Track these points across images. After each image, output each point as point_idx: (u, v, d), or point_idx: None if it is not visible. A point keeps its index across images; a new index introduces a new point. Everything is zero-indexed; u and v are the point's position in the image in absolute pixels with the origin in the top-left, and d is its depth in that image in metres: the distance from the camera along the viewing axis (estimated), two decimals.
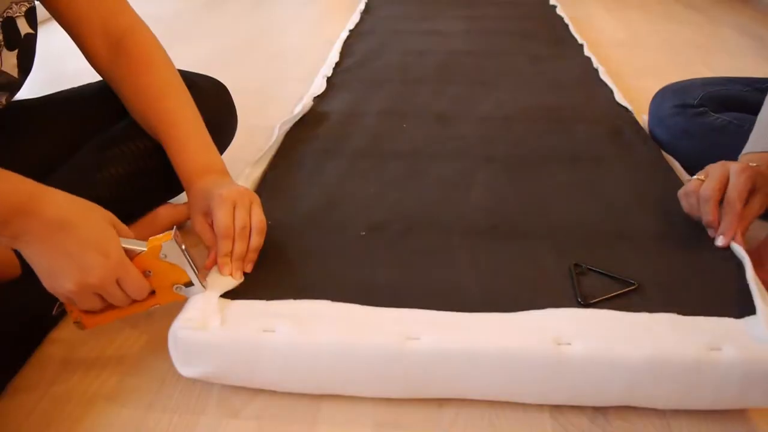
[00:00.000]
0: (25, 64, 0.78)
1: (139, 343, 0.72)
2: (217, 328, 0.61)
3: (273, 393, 0.65)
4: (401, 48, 1.57)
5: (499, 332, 0.61)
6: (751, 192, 0.74)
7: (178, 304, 0.65)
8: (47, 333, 0.73)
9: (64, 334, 0.74)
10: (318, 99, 1.23)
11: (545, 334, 0.60)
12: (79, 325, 0.64)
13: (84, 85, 0.91)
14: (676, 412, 0.63)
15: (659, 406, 0.61)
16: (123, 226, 0.62)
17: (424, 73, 1.38)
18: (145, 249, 0.61)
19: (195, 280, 0.64)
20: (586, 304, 0.65)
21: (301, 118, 1.13)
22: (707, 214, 0.75)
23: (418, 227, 0.80)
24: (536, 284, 0.69)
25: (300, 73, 1.63)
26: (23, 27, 0.76)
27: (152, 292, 0.64)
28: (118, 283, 0.60)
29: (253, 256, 0.70)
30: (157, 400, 0.65)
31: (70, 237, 0.57)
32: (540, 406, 0.64)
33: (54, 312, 0.66)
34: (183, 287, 0.64)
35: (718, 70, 1.65)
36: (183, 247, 0.62)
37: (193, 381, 0.67)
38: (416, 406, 0.64)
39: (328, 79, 1.33)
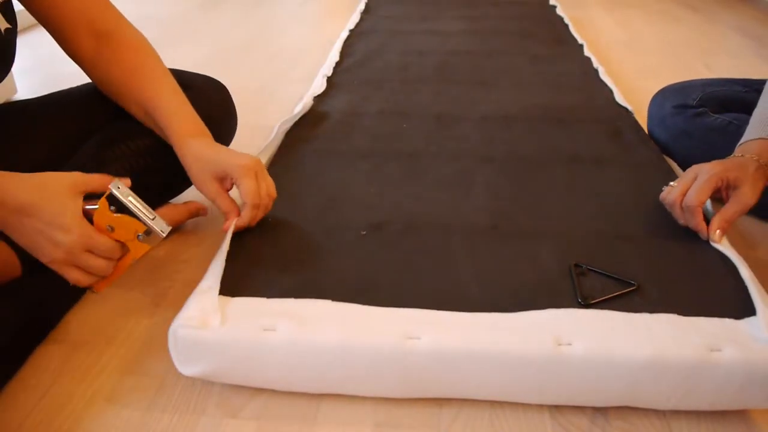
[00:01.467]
0: (6, 59, 0.79)
1: (139, 343, 0.72)
2: (217, 327, 0.61)
3: (273, 393, 0.65)
4: (401, 48, 1.57)
5: (499, 332, 0.61)
6: (724, 190, 0.76)
7: (178, 298, 0.65)
8: (48, 333, 0.73)
9: (64, 334, 0.73)
10: (318, 99, 1.23)
11: (545, 334, 0.60)
12: (90, 289, 0.69)
13: (81, 85, 0.91)
14: (676, 413, 0.63)
15: (659, 406, 0.61)
16: (89, 178, 0.65)
17: (424, 73, 1.38)
18: (98, 206, 0.64)
19: (152, 226, 0.65)
20: (586, 304, 0.65)
21: (301, 118, 1.13)
22: (678, 219, 0.79)
23: (418, 227, 0.80)
24: (536, 284, 0.69)
25: (300, 73, 1.63)
26: (1, 23, 0.76)
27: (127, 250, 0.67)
28: (91, 251, 0.63)
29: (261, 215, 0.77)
30: (157, 400, 0.65)
31: (34, 219, 0.60)
32: (540, 406, 0.64)
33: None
34: (143, 235, 0.66)
35: (718, 70, 1.65)
36: (130, 198, 0.65)
37: (193, 381, 0.66)
38: (416, 406, 0.64)
39: (328, 79, 1.33)
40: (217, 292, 0.65)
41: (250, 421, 0.62)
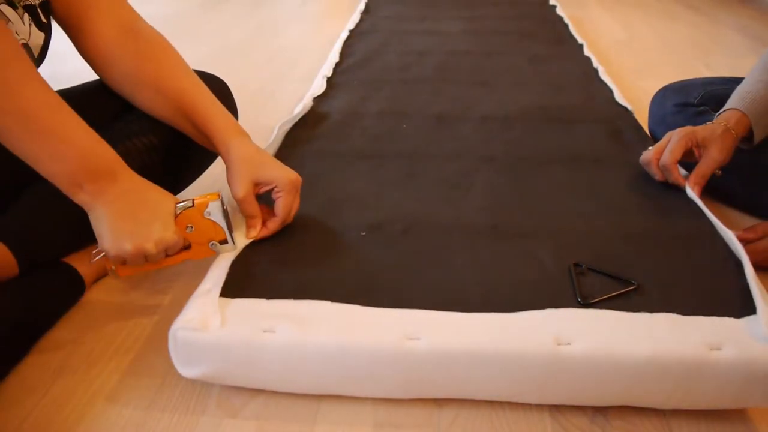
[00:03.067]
0: (43, 52, 0.80)
1: (139, 343, 0.72)
2: (217, 329, 0.61)
3: (273, 393, 0.65)
4: (401, 48, 1.57)
5: (499, 332, 0.61)
6: (696, 149, 0.86)
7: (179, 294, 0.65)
8: (44, 332, 0.73)
9: (64, 333, 0.74)
10: (318, 99, 1.23)
11: (545, 334, 0.60)
12: (113, 273, 0.71)
13: (84, 83, 0.91)
14: (676, 412, 0.63)
15: (659, 405, 0.61)
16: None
17: (424, 73, 1.38)
18: (192, 206, 0.68)
19: (230, 239, 0.71)
20: (586, 304, 0.65)
21: (301, 119, 1.13)
22: (654, 175, 0.89)
23: (418, 227, 0.80)
24: (536, 284, 0.69)
25: (300, 73, 1.63)
26: (43, 16, 0.77)
27: (187, 248, 0.71)
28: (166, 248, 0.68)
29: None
30: (157, 400, 0.65)
31: (142, 206, 0.66)
32: (540, 406, 0.64)
33: (92, 260, 0.70)
34: (218, 244, 0.71)
35: (717, 70, 1.65)
36: (225, 207, 0.70)
37: (193, 381, 0.67)
38: (416, 406, 0.64)
39: (328, 79, 1.33)
40: (218, 294, 0.65)
41: (250, 421, 0.62)
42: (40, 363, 0.69)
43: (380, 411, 0.64)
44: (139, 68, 0.81)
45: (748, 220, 0.95)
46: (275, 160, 0.78)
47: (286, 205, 0.75)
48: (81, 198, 0.65)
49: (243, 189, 0.74)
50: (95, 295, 0.80)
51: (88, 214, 0.66)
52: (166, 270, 0.84)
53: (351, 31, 1.72)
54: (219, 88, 0.95)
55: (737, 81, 1.08)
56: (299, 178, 0.76)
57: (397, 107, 1.19)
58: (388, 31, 1.73)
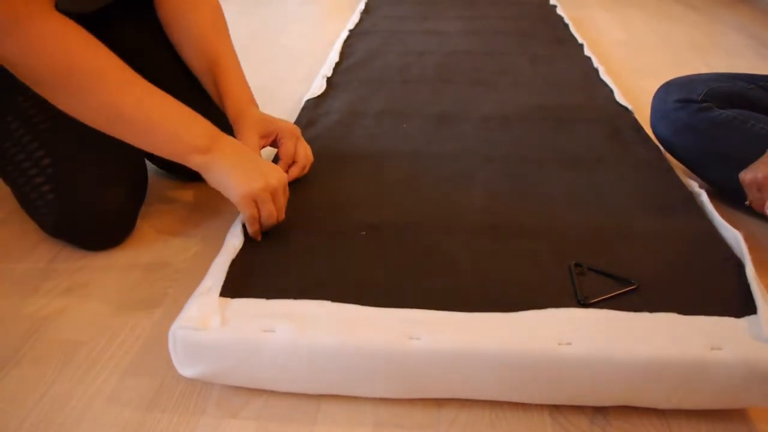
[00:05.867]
0: None
1: (139, 343, 0.72)
2: (216, 329, 0.61)
3: (273, 393, 0.65)
4: (401, 48, 1.57)
5: (499, 332, 0.61)
6: None
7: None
8: None
9: (64, 333, 0.74)
10: (318, 99, 1.23)
11: (545, 334, 0.60)
12: (256, 237, 0.77)
13: None
14: (676, 412, 0.63)
15: (659, 405, 0.61)
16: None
17: (424, 73, 1.38)
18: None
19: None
20: (586, 304, 0.65)
21: (301, 119, 1.13)
22: (750, 202, 0.83)
23: (418, 227, 0.80)
24: (536, 284, 0.69)
25: (300, 73, 1.63)
26: None
27: None
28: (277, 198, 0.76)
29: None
30: (157, 400, 0.65)
31: (249, 154, 0.77)
32: (540, 406, 0.64)
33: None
34: None
35: (717, 69, 1.65)
36: None
37: (193, 381, 0.66)
38: (416, 406, 0.64)
39: (328, 80, 1.33)
40: (218, 294, 0.65)
41: (250, 421, 0.62)
42: (41, 362, 0.69)
43: (380, 411, 0.64)
44: (190, 21, 0.92)
45: (750, 220, 0.95)
46: (276, 117, 0.89)
47: (287, 149, 0.88)
48: (194, 161, 0.75)
49: (250, 141, 0.84)
50: (95, 295, 0.80)
51: (205, 175, 0.76)
52: (166, 269, 0.84)
53: (351, 31, 1.72)
54: None
55: (741, 78, 1.08)
56: (297, 128, 0.90)
57: (397, 107, 1.19)
58: (388, 31, 1.73)
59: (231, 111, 0.88)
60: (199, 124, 0.75)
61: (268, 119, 0.88)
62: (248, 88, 0.91)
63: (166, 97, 0.74)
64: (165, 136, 0.74)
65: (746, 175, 0.84)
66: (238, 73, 0.91)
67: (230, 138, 0.78)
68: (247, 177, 0.74)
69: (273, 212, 0.76)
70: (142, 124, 0.72)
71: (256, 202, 0.74)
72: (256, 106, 0.90)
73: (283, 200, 0.77)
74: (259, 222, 0.76)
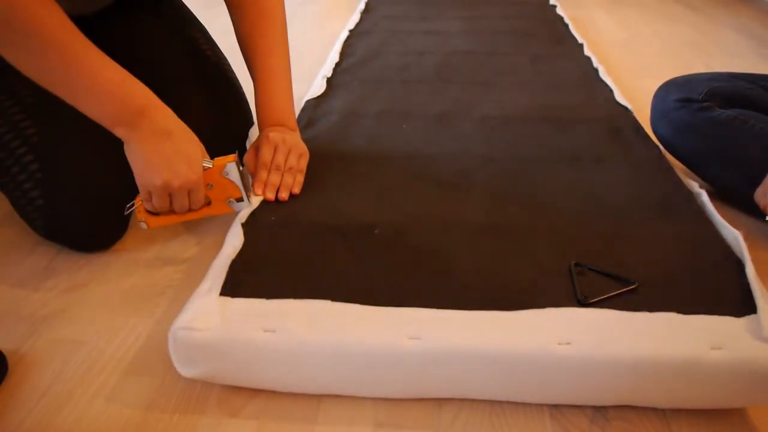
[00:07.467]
0: None
1: (139, 343, 0.72)
2: (216, 329, 0.61)
3: (273, 393, 0.65)
4: (401, 48, 1.57)
5: (499, 332, 0.61)
6: None
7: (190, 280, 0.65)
8: None
9: (64, 333, 0.74)
10: (318, 99, 1.23)
11: (545, 334, 0.60)
12: (144, 224, 0.79)
13: None
14: (676, 412, 0.63)
15: (659, 405, 0.61)
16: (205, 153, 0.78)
17: (424, 73, 1.38)
18: (212, 166, 0.77)
19: (245, 197, 0.80)
20: (586, 304, 0.65)
21: (300, 119, 1.13)
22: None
23: (418, 227, 0.80)
24: (536, 284, 0.69)
25: (300, 73, 1.62)
26: None
27: (208, 204, 0.79)
28: (188, 195, 0.75)
29: (300, 178, 0.88)
30: (157, 400, 0.65)
31: (170, 144, 0.72)
32: (540, 406, 0.64)
33: (125, 212, 0.80)
34: (234, 201, 0.80)
35: (717, 69, 1.64)
36: (241, 168, 0.79)
37: (193, 381, 0.66)
38: (416, 406, 0.64)
39: (328, 80, 1.33)
40: (218, 293, 0.65)
41: (250, 421, 0.62)
42: (41, 362, 0.69)
43: (380, 411, 0.64)
44: (239, 26, 0.95)
45: (750, 220, 0.95)
46: (282, 129, 0.90)
47: (262, 155, 0.86)
48: (119, 132, 0.72)
49: (247, 156, 0.87)
50: (95, 295, 0.80)
51: (125, 150, 0.73)
52: (166, 269, 0.84)
53: (351, 31, 1.72)
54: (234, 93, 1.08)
55: (742, 77, 1.08)
56: (280, 137, 0.87)
57: (397, 107, 1.19)
58: (388, 31, 1.73)
59: (259, 127, 0.91)
60: (132, 95, 0.71)
61: (273, 138, 0.87)
62: (279, 108, 0.92)
63: (108, 62, 0.71)
64: (94, 99, 0.70)
65: (759, 192, 0.86)
66: (274, 91, 0.92)
67: (164, 114, 0.73)
68: (152, 169, 0.72)
69: (165, 207, 0.76)
70: (74, 81, 0.69)
71: (151, 194, 0.75)
72: (285, 126, 0.91)
73: (195, 196, 0.76)
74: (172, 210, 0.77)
